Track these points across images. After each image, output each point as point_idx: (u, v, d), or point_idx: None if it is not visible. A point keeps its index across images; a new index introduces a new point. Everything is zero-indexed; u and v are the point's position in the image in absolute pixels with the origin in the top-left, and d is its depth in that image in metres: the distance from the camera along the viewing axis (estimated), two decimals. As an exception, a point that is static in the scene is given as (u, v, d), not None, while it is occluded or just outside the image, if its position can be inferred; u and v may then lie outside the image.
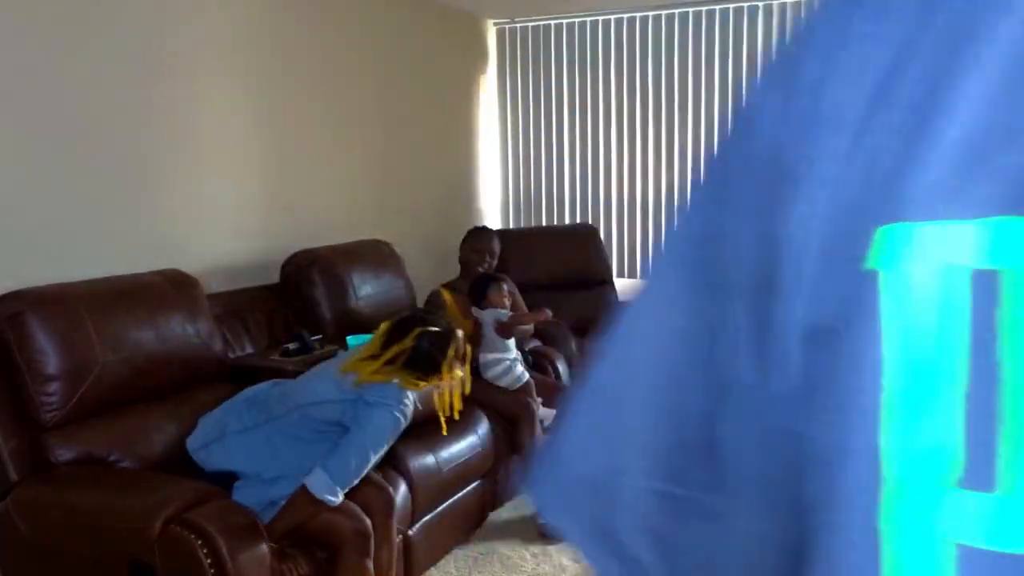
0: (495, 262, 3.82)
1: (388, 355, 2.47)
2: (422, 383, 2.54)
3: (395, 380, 2.45)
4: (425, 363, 2.52)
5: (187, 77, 3.43)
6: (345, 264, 3.77)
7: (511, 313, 3.60)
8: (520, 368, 3.54)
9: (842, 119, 0.33)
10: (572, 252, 5.25)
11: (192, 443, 2.54)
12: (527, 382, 3.53)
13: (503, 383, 3.50)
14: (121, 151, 3.17)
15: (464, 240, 3.84)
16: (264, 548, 2.15)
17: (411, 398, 2.49)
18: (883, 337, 0.30)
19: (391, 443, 2.44)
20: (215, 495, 2.23)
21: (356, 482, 2.35)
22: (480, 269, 3.76)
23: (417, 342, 2.49)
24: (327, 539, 2.37)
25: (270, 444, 2.42)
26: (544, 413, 3.53)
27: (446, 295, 3.75)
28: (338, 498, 2.29)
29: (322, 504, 2.28)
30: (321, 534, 2.36)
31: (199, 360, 2.87)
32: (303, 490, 2.28)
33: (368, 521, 2.41)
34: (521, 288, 4.38)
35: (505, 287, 3.65)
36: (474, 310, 3.64)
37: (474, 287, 3.68)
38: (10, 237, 2.79)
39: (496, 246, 3.80)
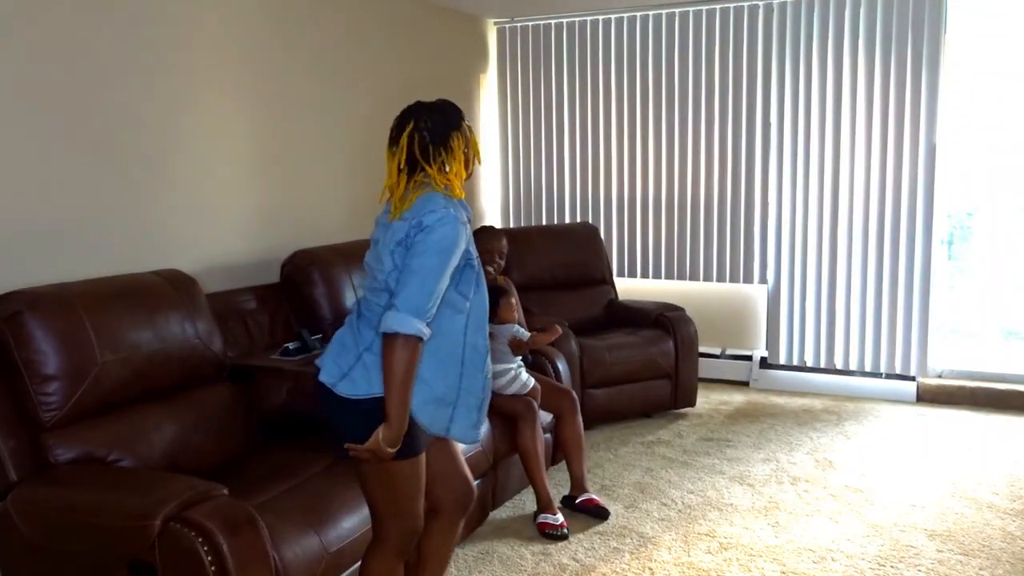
0: (503, 262, 3.79)
1: (400, 156, 2.19)
2: (453, 172, 2.19)
3: (424, 193, 2.13)
4: (437, 129, 2.20)
5: (187, 78, 3.43)
6: (345, 264, 3.76)
7: (531, 333, 3.54)
8: (525, 374, 3.53)
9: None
10: (572, 251, 5.25)
11: (329, 377, 2.20)
12: (534, 386, 3.52)
13: (511, 391, 3.47)
14: (121, 151, 3.17)
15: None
16: (265, 544, 2.14)
17: (447, 200, 2.12)
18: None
19: (460, 247, 2.10)
20: (215, 492, 2.22)
21: (431, 306, 2.04)
22: (490, 269, 3.73)
23: (416, 116, 2.23)
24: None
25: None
26: (542, 414, 3.52)
27: None
28: (420, 328, 2.01)
29: (410, 339, 2.00)
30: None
31: (198, 360, 2.86)
32: (384, 341, 2.02)
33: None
34: (521, 287, 4.38)
35: (513, 300, 3.61)
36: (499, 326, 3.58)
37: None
38: (10, 237, 2.79)
39: (504, 245, 3.77)
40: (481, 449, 3.24)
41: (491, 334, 3.50)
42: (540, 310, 4.80)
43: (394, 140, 2.28)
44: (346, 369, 2.16)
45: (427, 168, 2.19)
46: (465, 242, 2.14)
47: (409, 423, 2.08)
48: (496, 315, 3.53)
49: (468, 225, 2.21)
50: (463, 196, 2.22)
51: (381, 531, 2.23)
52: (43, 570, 2.34)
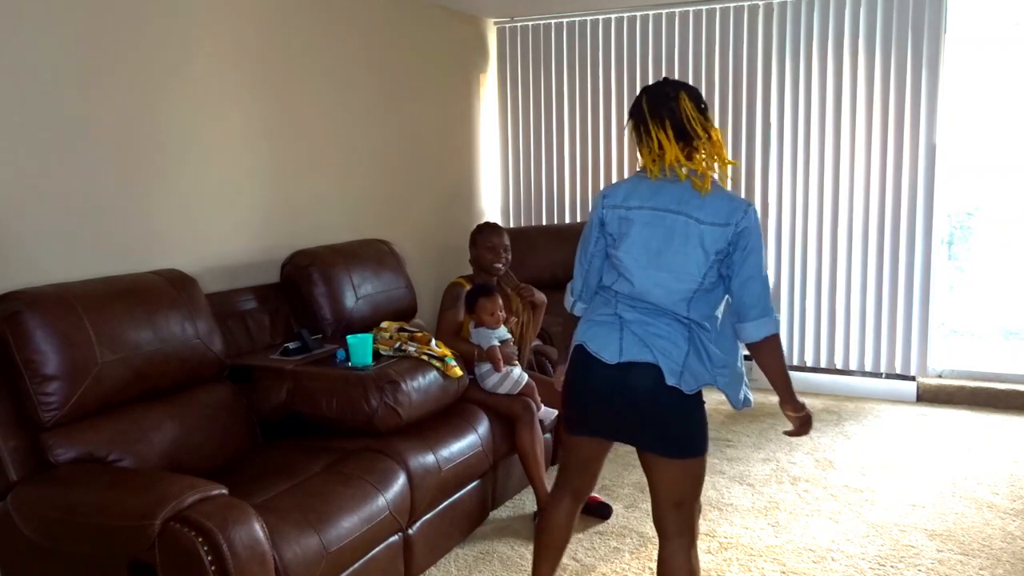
0: (509, 256, 3.78)
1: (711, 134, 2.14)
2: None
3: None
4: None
5: (187, 77, 3.43)
6: (345, 264, 3.77)
7: (493, 344, 3.47)
8: (517, 372, 3.52)
9: None
10: (572, 251, 5.21)
11: (672, 377, 2.16)
12: (528, 383, 3.52)
13: (503, 390, 3.47)
14: (121, 151, 3.17)
15: (473, 238, 3.78)
16: (264, 544, 2.15)
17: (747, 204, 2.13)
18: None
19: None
20: (215, 492, 2.22)
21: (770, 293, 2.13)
22: (497, 266, 3.72)
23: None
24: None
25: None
26: (544, 413, 3.52)
27: (466, 286, 3.71)
28: (777, 322, 2.15)
29: (776, 339, 2.15)
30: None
31: (198, 360, 2.87)
32: (763, 344, 2.15)
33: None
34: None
35: (499, 302, 3.59)
36: (471, 329, 3.59)
37: (467, 298, 3.61)
38: (10, 237, 2.79)
39: (507, 240, 3.77)
40: (481, 449, 3.25)
41: (468, 336, 3.51)
42: (540, 310, 4.80)
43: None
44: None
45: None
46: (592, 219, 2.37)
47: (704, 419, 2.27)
48: (474, 311, 3.53)
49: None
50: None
51: (695, 524, 2.30)
52: (43, 570, 2.34)
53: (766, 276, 2.13)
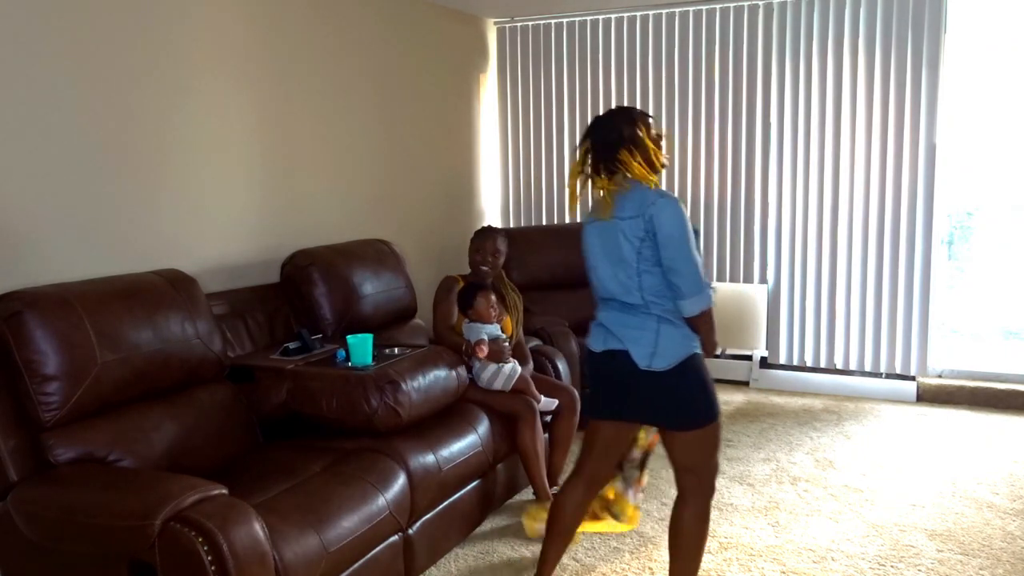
0: (500, 260, 3.79)
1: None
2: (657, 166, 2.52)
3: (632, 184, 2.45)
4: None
5: (187, 77, 3.43)
6: (345, 264, 3.77)
7: (481, 338, 3.50)
8: (509, 367, 3.52)
9: None
10: (572, 251, 5.22)
11: (643, 361, 2.44)
12: (520, 376, 3.52)
13: (497, 385, 3.48)
14: (122, 152, 3.17)
15: (471, 238, 3.85)
16: (264, 544, 2.15)
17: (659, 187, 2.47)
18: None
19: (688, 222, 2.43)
20: (215, 492, 2.22)
21: (701, 271, 2.39)
22: (484, 268, 3.74)
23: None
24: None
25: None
26: (545, 403, 3.52)
27: (460, 283, 3.73)
28: (710, 297, 2.41)
29: (708, 313, 2.44)
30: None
31: (198, 360, 2.87)
32: (698, 318, 2.44)
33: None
34: (521, 287, 4.38)
35: (493, 298, 3.61)
36: (464, 323, 3.62)
37: (462, 295, 3.64)
38: (10, 237, 2.79)
39: (500, 244, 3.78)
40: (481, 449, 3.25)
41: (461, 332, 3.54)
42: (540, 310, 4.81)
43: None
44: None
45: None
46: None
47: (704, 384, 2.50)
48: (472, 308, 3.56)
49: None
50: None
51: (707, 487, 2.58)
52: (43, 570, 2.34)
53: (691, 257, 2.38)
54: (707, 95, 5.41)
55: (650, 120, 2.56)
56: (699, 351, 2.49)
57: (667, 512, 3.50)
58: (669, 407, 2.47)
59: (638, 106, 5.57)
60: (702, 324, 2.46)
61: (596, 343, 2.56)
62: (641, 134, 2.50)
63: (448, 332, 3.61)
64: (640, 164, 2.47)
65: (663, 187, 2.48)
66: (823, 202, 5.18)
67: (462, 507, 3.18)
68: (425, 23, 5.10)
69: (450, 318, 3.64)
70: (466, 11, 5.51)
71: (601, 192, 2.52)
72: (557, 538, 2.72)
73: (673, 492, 3.70)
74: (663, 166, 2.54)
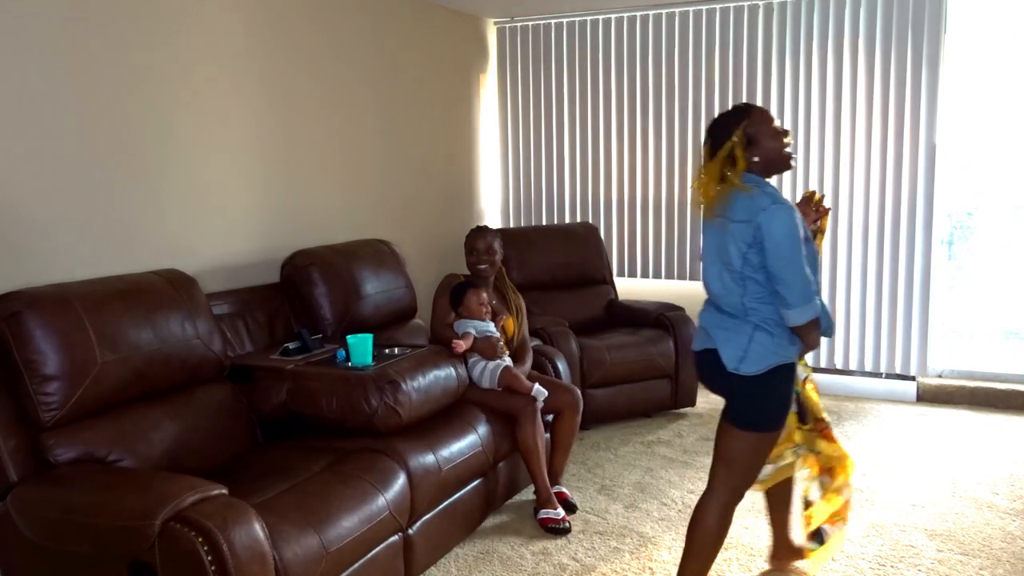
0: (496, 258, 3.78)
1: (718, 161, 2.46)
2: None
3: (747, 186, 2.41)
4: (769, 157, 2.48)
5: (187, 77, 3.43)
6: (345, 264, 3.77)
7: (468, 332, 3.50)
8: (492, 364, 3.51)
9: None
10: (572, 251, 5.25)
11: (731, 363, 2.46)
12: (504, 369, 3.51)
13: (485, 383, 3.49)
14: (121, 151, 3.17)
15: (464, 245, 3.85)
16: (264, 544, 2.15)
17: (773, 190, 2.43)
18: None
19: (802, 229, 2.39)
20: (215, 492, 2.22)
21: (813, 285, 2.37)
22: (481, 267, 3.74)
23: (744, 132, 2.46)
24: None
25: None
26: (536, 391, 3.49)
27: (461, 280, 3.73)
28: (817, 308, 2.38)
29: (814, 324, 2.41)
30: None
31: (198, 360, 2.87)
32: (801, 329, 2.41)
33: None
34: (521, 287, 4.38)
35: (484, 295, 3.61)
36: (456, 320, 3.61)
37: (453, 293, 3.64)
38: (10, 237, 2.79)
39: (492, 243, 3.76)
40: (481, 449, 3.25)
41: (452, 326, 3.54)
42: (540, 310, 4.81)
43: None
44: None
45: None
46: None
47: (781, 398, 2.49)
48: (463, 305, 3.56)
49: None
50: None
51: (742, 486, 2.60)
52: (43, 570, 2.34)
53: (799, 267, 2.34)
54: (707, 95, 5.41)
55: (768, 117, 2.51)
56: (790, 361, 2.45)
57: (667, 512, 3.51)
58: (740, 405, 2.50)
59: (638, 106, 5.59)
60: (806, 334, 2.43)
61: (695, 343, 2.61)
62: (754, 132, 2.46)
63: (443, 329, 3.62)
64: (750, 163, 2.45)
65: (755, 184, 2.41)
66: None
67: (462, 507, 3.18)
68: (425, 23, 5.10)
69: (447, 316, 3.65)
70: (466, 11, 5.51)
71: (715, 192, 2.48)
72: (775, 510, 2.90)
73: (673, 492, 3.72)
74: (788, 166, 2.54)
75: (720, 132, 2.49)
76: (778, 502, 2.94)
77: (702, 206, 2.52)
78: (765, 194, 2.39)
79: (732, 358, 2.43)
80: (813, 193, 2.93)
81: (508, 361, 3.56)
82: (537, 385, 3.50)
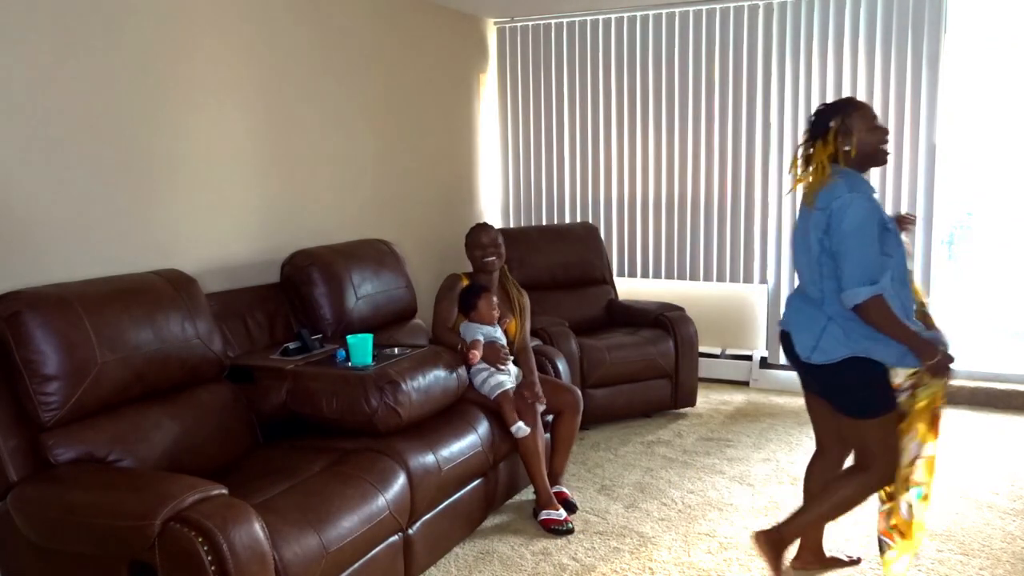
0: (502, 251, 3.77)
1: (815, 150, 2.59)
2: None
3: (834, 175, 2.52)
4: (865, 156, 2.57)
5: (187, 77, 3.43)
6: (345, 264, 3.77)
7: (476, 339, 3.46)
8: (496, 379, 3.44)
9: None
10: (572, 251, 5.25)
11: (804, 352, 2.59)
12: (502, 392, 3.42)
13: (484, 391, 3.43)
14: (121, 152, 3.17)
15: (466, 237, 3.80)
16: (264, 544, 2.15)
17: (857, 181, 2.52)
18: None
19: (882, 219, 2.48)
20: (215, 492, 2.22)
21: (869, 268, 2.42)
22: (488, 260, 3.71)
23: (836, 136, 2.55)
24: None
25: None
26: (516, 428, 3.39)
27: (465, 282, 3.70)
28: (865, 294, 2.42)
29: (868, 310, 2.44)
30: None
31: (198, 360, 2.87)
32: (858, 309, 2.45)
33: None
34: (521, 287, 4.37)
35: (495, 300, 3.58)
36: (462, 323, 3.57)
37: (464, 296, 3.60)
38: (10, 237, 2.79)
39: (495, 236, 3.75)
40: (481, 449, 3.25)
41: (458, 330, 3.51)
42: (540, 310, 4.81)
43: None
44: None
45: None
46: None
47: (865, 388, 2.54)
48: (475, 309, 3.53)
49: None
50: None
51: (879, 471, 2.63)
52: (43, 570, 2.34)
53: (859, 253, 2.42)
54: (707, 95, 5.41)
55: (868, 112, 2.57)
56: (866, 356, 2.49)
57: (667, 512, 3.51)
58: (826, 390, 2.64)
59: (638, 106, 5.60)
60: (878, 323, 2.45)
61: (781, 322, 2.74)
62: (851, 124, 2.54)
63: (446, 332, 3.60)
64: (845, 154, 2.54)
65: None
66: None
67: (462, 507, 3.18)
68: (425, 23, 5.10)
69: (449, 318, 3.63)
70: (466, 11, 5.51)
71: (809, 179, 2.62)
72: (806, 497, 2.90)
73: (673, 492, 3.72)
74: (882, 161, 2.60)
75: (819, 121, 2.59)
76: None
77: (801, 192, 2.64)
78: (845, 184, 2.47)
79: (805, 347, 2.57)
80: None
81: (510, 383, 3.48)
82: (520, 424, 3.36)
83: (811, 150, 2.63)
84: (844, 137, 2.55)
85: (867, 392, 2.54)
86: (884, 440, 2.58)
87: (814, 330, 2.55)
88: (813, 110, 2.68)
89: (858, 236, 2.42)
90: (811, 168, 2.62)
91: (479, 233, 3.75)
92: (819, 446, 2.93)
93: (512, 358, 3.62)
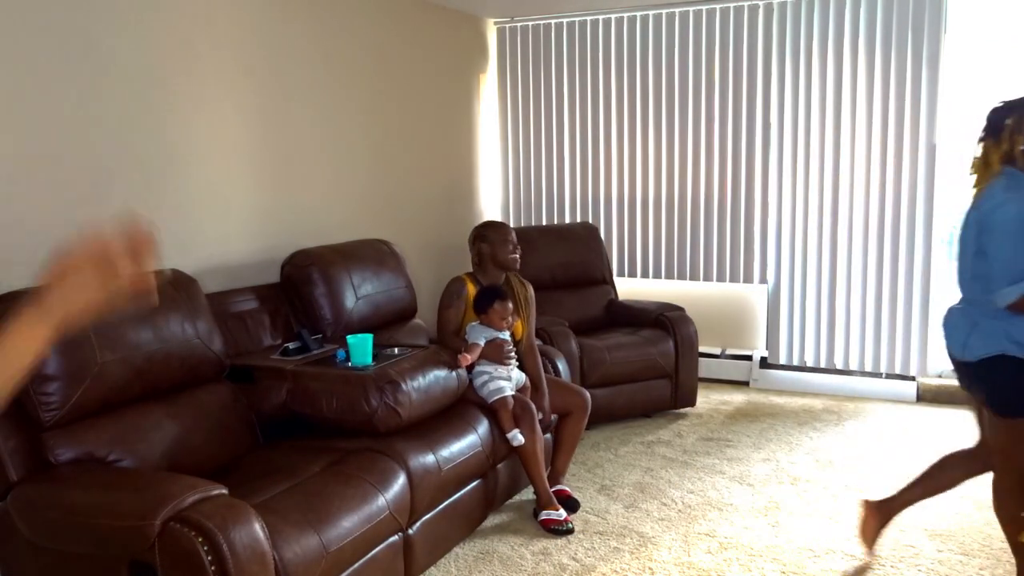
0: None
1: (989, 149, 2.54)
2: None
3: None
4: None
5: (187, 78, 3.43)
6: (345, 264, 3.77)
7: (477, 343, 3.40)
8: (495, 385, 3.42)
9: None
10: (572, 251, 5.26)
11: (955, 351, 2.66)
12: (500, 399, 3.39)
13: (483, 394, 3.42)
14: (122, 151, 3.17)
15: (483, 235, 3.69)
16: (264, 544, 2.15)
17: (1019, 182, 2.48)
18: None
19: None
20: (215, 492, 2.22)
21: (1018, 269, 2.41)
22: (514, 256, 3.67)
23: None
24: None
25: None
26: (511, 435, 3.38)
27: (471, 287, 3.65)
28: (1013, 294, 2.40)
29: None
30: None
31: (198, 360, 2.87)
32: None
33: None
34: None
35: (510, 306, 3.52)
36: (469, 323, 3.52)
37: (481, 296, 3.50)
38: (10, 237, 2.79)
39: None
40: (481, 449, 3.25)
41: (463, 334, 3.46)
42: (540, 310, 4.80)
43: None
44: None
45: None
46: None
47: (1016, 387, 2.52)
48: (490, 310, 3.47)
49: None
50: None
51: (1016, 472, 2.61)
52: (43, 570, 2.34)
53: (1007, 253, 2.42)
54: (707, 95, 5.41)
55: None
56: (1013, 354, 2.49)
57: (667, 512, 3.51)
58: (978, 387, 2.63)
59: (638, 106, 5.59)
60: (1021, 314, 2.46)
61: (942, 320, 2.77)
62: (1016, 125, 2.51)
63: (451, 338, 3.55)
64: (1007, 153, 2.50)
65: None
66: (823, 202, 5.18)
67: (462, 507, 3.18)
68: (425, 23, 5.10)
69: (454, 324, 3.59)
70: (466, 11, 5.51)
71: (979, 178, 2.59)
72: (925, 481, 2.89)
73: (673, 492, 3.72)
74: None
75: (995, 119, 2.56)
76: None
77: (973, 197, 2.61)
78: (1005, 184, 2.47)
79: (956, 344, 2.63)
80: None
81: (509, 390, 3.45)
82: (516, 432, 3.35)
83: (986, 149, 2.60)
84: (1021, 136, 2.50)
85: (1014, 392, 2.53)
86: (1014, 447, 2.56)
87: (964, 328, 2.60)
88: (989, 108, 2.60)
89: (1009, 236, 2.41)
90: (986, 166, 2.59)
91: (505, 231, 3.66)
92: (978, 443, 2.89)
93: (517, 361, 3.60)
